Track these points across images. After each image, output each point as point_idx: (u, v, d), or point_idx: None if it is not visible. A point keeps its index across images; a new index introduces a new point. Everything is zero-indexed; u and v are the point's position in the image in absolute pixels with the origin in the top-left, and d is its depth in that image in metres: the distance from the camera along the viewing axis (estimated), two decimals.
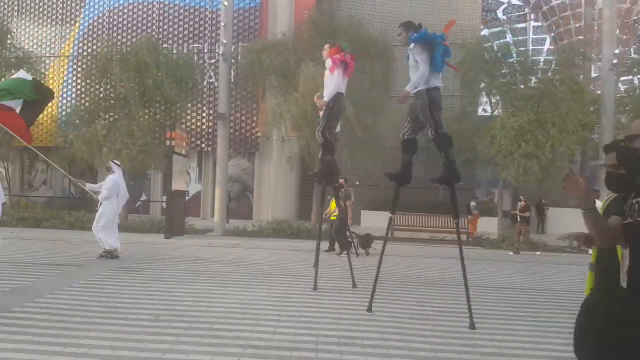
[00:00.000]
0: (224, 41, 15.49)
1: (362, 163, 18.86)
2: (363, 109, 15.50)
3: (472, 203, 16.82)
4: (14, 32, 18.88)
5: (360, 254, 10.81)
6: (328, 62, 6.32)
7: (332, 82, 6.21)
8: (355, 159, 18.48)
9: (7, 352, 3.67)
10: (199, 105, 20.89)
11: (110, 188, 8.72)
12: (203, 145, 21.66)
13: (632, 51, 35.83)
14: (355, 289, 6.75)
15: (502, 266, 10.26)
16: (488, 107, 20.53)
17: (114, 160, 9.74)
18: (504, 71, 17.80)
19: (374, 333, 4.57)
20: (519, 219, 13.06)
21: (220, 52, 15.73)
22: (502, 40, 18.72)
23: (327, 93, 6.27)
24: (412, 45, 5.02)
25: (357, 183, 23.30)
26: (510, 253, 12.58)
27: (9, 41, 18.24)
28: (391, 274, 8.17)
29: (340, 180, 10.11)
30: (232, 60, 18.31)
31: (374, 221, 19.64)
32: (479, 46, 17.99)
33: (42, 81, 19.55)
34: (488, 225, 16.71)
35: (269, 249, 11.26)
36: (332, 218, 10.58)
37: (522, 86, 17.35)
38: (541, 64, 18.93)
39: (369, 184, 23.08)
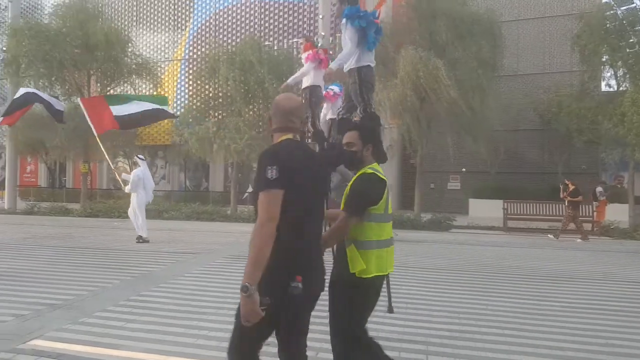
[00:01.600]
0: (322, 33, 15.60)
1: (469, 148, 17.92)
2: (469, 90, 14.61)
3: (599, 189, 15.02)
4: (134, 41, 20.77)
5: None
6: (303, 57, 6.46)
7: (305, 74, 6.24)
8: (460, 144, 17.60)
9: (139, 332, 4.00)
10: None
11: (133, 182, 9.58)
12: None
13: None
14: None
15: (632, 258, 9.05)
16: (613, 82, 18.21)
17: (139, 155, 10.66)
18: (631, 40, 15.68)
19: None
20: (566, 204, 12.22)
21: (320, 44, 15.84)
22: (628, 6, 16.39)
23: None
24: (343, 20, 4.74)
25: (464, 170, 22.21)
26: (550, 236, 12.17)
27: (129, 49, 20.03)
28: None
29: None
30: (331, 52, 18.35)
31: (482, 210, 18.61)
32: (600, 14, 16.08)
33: (159, 84, 21.58)
34: (617, 214, 14.89)
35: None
36: None
37: None
38: None
39: (476, 170, 21.87)
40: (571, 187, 12.20)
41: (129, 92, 20.35)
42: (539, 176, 21.35)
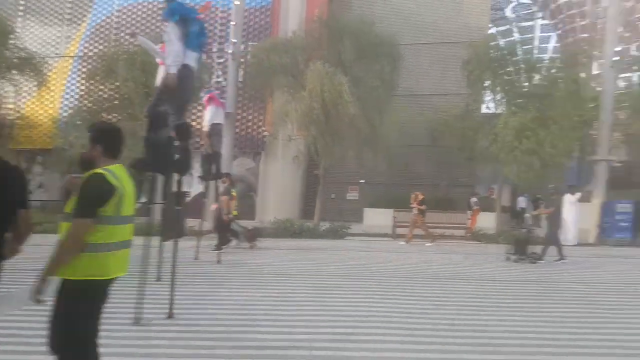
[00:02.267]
0: (234, 40, 15.75)
1: (368, 162, 19.14)
2: (370, 107, 15.80)
3: (473, 199, 17.22)
4: (18, 33, 18.93)
5: (247, 247, 11.06)
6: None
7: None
8: (361, 157, 18.77)
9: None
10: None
11: None
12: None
13: (633, 48, 35.82)
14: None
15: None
16: (492, 105, 20.76)
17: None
18: (509, 69, 18.05)
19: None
20: (416, 210, 13.46)
21: (230, 51, 16.04)
22: (508, 39, 18.97)
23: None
24: (166, 17, 4.89)
25: (363, 181, 23.67)
26: (428, 244, 13.16)
27: (11, 41, 18.12)
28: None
29: (224, 178, 10.32)
30: (241, 60, 18.47)
31: (377, 219, 19.93)
32: (486, 44, 18.22)
33: (44, 82, 19.38)
34: (487, 221, 16.99)
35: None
36: (234, 213, 10.58)
37: (526, 84, 17.63)
38: (546, 62, 19.17)
39: (374, 182, 23.43)
40: (420, 197, 13.58)
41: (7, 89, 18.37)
42: (427, 188, 23.43)
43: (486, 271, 8.73)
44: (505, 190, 26.07)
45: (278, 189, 20.88)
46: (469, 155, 19.54)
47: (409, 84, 22.99)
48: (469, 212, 16.54)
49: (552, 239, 10.28)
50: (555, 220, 10.51)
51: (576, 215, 14.33)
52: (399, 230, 15.27)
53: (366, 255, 10.72)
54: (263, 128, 20.79)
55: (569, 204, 14.46)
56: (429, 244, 13.07)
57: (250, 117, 21.34)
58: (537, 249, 10.08)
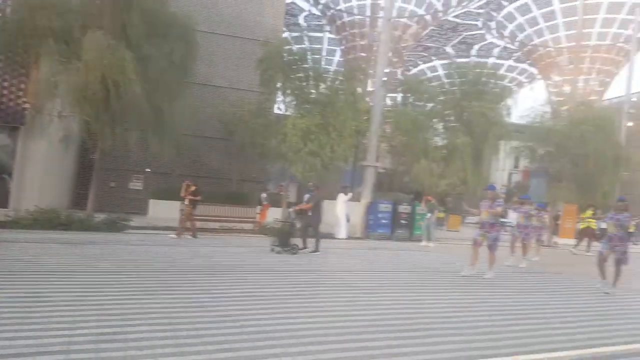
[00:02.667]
0: None
1: (154, 149, 17.86)
2: (158, 91, 14.60)
3: (264, 195, 17.84)
4: None
5: None
6: None
7: None
8: (146, 143, 17.36)
9: None
10: None
11: None
12: None
13: (398, 72, 42.93)
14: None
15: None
16: (283, 106, 21.88)
17: None
18: (299, 75, 19.23)
19: None
20: (186, 202, 12.79)
21: None
22: (300, 46, 20.18)
23: None
24: None
25: (148, 170, 22.04)
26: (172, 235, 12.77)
27: None
28: None
29: None
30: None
31: (163, 211, 18.85)
32: (280, 47, 18.95)
33: None
34: (275, 216, 17.85)
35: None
36: None
37: (313, 91, 19.08)
38: (331, 73, 21.11)
39: (160, 171, 22.10)
40: (192, 188, 12.95)
41: None
42: (217, 181, 23.33)
43: (254, 261, 9.00)
44: (292, 188, 27.95)
45: (41, 172, 17.65)
46: (260, 152, 20.16)
47: (204, 73, 22.45)
48: (259, 207, 17.07)
49: (313, 232, 11.03)
50: (315, 214, 11.10)
51: (347, 212, 16.19)
52: (187, 224, 14.70)
53: (145, 250, 9.88)
54: (24, 99, 17.27)
55: (342, 202, 16.29)
56: (173, 236, 12.61)
57: (6, 85, 17.50)
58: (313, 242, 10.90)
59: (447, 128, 21.51)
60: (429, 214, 15.92)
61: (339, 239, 15.66)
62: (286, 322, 4.81)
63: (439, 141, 21.37)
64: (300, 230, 11.12)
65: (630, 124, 25.10)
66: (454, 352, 4.23)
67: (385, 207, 17.19)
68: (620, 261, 8.15)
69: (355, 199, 18.43)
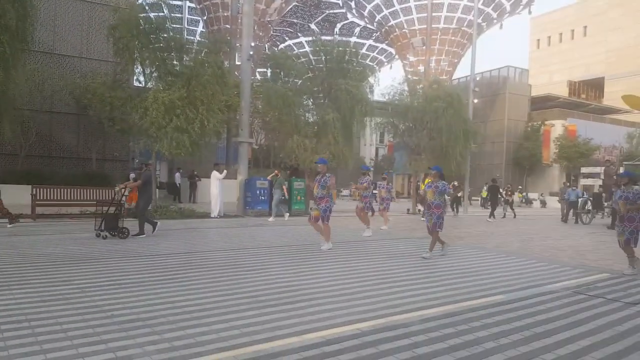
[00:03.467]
0: None
1: None
2: None
3: (132, 175, 16.45)
4: None
5: None
6: None
7: None
8: None
9: None
10: None
11: None
12: None
13: (266, 47, 42.64)
14: None
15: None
16: (142, 78, 20.27)
17: None
18: (160, 45, 17.89)
19: None
20: None
21: None
22: (160, 14, 18.68)
23: None
24: None
25: None
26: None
27: None
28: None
29: None
30: None
31: (11, 197, 16.48)
32: (133, 13, 17.37)
33: None
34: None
35: None
36: None
37: (175, 62, 17.95)
38: (195, 45, 20.01)
39: (3, 152, 19.19)
40: None
41: None
42: (73, 161, 21.05)
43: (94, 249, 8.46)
44: (163, 167, 26.39)
45: None
46: (121, 128, 18.56)
47: (47, 40, 19.78)
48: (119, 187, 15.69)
49: (139, 213, 10.25)
50: (144, 193, 10.40)
51: (221, 190, 15.86)
52: (40, 210, 13.08)
53: None
54: None
55: (216, 179, 15.90)
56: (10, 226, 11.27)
57: None
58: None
59: (316, 104, 22.13)
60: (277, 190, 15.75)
61: (214, 217, 15.35)
62: (161, 308, 4.60)
63: (310, 117, 21.92)
64: (138, 212, 10.34)
65: (476, 101, 28.59)
66: (336, 319, 4.47)
67: (262, 183, 17.22)
68: (435, 225, 8.34)
69: (232, 176, 18.14)
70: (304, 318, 4.41)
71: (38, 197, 13.17)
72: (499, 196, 21.21)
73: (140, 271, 6.42)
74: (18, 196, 15.29)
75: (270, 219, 15.15)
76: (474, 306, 5.04)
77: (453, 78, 48.78)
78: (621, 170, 20.91)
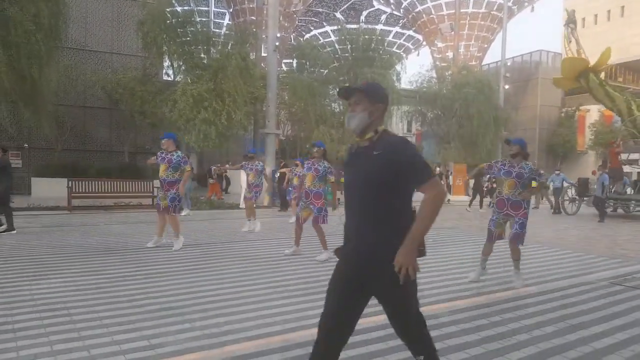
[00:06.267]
0: None
1: (27, 122, 15.96)
2: (22, 58, 12.84)
3: (213, 167, 16.95)
4: None
5: None
6: None
7: None
8: (20, 116, 15.42)
9: None
10: None
11: None
12: None
13: (291, 38, 42.56)
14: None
15: None
16: (171, 72, 20.64)
17: None
18: (188, 39, 18.16)
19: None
20: None
21: None
22: (186, 8, 18.93)
23: None
24: None
25: (26, 146, 19.71)
26: None
27: None
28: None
29: None
30: None
31: (47, 190, 17.15)
32: (161, 8, 17.66)
33: None
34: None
35: None
36: None
37: (203, 55, 18.17)
38: (222, 37, 20.20)
39: (40, 147, 19.90)
40: None
41: None
42: (106, 154, 21.65)
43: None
44: (193, 159, 26.87)
45: None
46: (152, 122, 18.96)
47: (79, 37, 20.29)
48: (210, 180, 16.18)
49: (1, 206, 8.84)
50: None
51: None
52: (76, 202, 13.53)
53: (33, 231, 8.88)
54: None
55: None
56: None
57: None
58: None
59: None
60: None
61: (242, 208, 15.51)
62: (190, 297, 4.68)
63: (336, 107, 21.83)
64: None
65: (506, 87, 27.81)
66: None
67: None
68: (317, 219, 6.81)
69: None
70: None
71: (74, 190, 13.63)
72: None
73: (168, 261, 6.55)
74: (55, 189, 15.88)
75: (184, 212, 12.90)
76: (507, 297, 4.93)
77: (483, 64, 47.53)
78: None
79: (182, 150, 16.73)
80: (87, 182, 14.06)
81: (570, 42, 15.62)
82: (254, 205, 10.01)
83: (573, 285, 5.57)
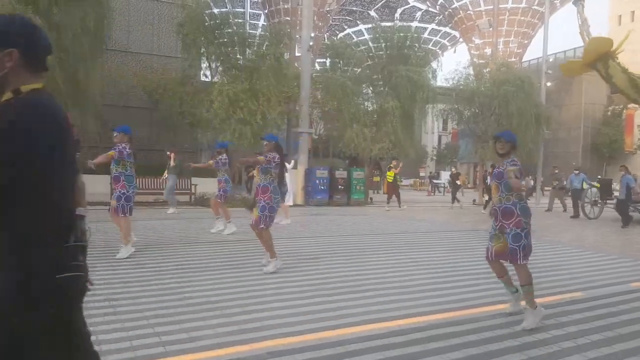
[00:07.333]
0: None
1: (76, 121, 16.63)
2: (71, 60, 13.41)
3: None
4: None
5: None
6: None
7: None
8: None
9: None
10: None
11: None
12: None
13: (325, 37, 42.60)
14: None
15: None
16: (208, 73, 21.07)
17: None
18: (224, 40, 18.50)
19: None
20: None
21: None
22: (223, 10, 19.30)
23: None
24: None
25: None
26: None
27: None
28: None
29: None
30: None
31: (91, 186, 17.81)
32: (199, 10, 18.04)
33: None
34: (212, 187, 17.40)
35: None
36: None
37: (239, 56, 18.46)
38: (257, 38, 20.46)
39: (86, 145, 20.74)
40: None
41: None
42: (146, 153, 22.29)
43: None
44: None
45: None
46: (190, 122, 19.41)
47: (122, 39, 21.01)
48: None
49: None
50: None
51: (291, 180, 16.11)
52: None
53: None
54: None
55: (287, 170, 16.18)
56: None
57: None
58: None
59: (376, 92, 21.85)
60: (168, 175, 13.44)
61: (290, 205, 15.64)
62: (229, 292, 4.77)
63: (369, 106, 21.70)
64: None
65: (548, 84, 26.84)
66: (401, 310, 4.42)
67: (322, 173, 17.37)
68: (259, 220, 5.85)
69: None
70: (370, 308, 4.39)
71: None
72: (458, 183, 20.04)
73: (207, 256, 6.70)
74: (99, 185, 16.46)
75: (170, 210, 12.82)
76: (550, 303, 4.76)
77: (523, 60, 46.15)
78: None
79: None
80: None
81: (582, 23, 14.17)
82: (218, 202, 9.21)
83: (620, 293, 5.33)
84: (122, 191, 6.60)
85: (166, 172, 13.52)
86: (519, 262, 4.09)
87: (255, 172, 6.34)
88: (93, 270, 5.50)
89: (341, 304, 4.49)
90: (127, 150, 6.65)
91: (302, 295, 4.78)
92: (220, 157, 9.34)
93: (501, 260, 4.29)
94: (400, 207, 16.66)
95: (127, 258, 6.39)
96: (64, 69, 12.85)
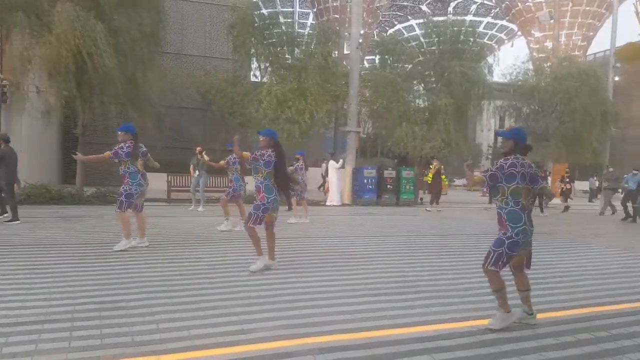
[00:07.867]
0: None
1: (134, 121, 17.44)
2: (131, 62, 14.05)
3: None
4: None
5: None
6: None
7: None
8: (125, 116, 16.91)
9: None
10: None
11: None
12: None
13: (374, 34, 42.17)
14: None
15: None
16: (258, 73, 21.42)
17: None
18: (273, 40, 18.73)
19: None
20: None
21: None
22: (271, 10, 19.55)
23: None
24: None
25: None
26: None
27: None
28: None
29: None
30: None
31: (151, 184, 18.64)
32: (249, 11, 18.35)
33: None
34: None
35: None
36: None
37: (287, 56, 18.62)
38: (306, 37, 20.55)
39: (143, 144, 21.74)
40: None
41: None
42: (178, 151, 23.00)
43: None
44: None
45: (26, 149, 17.11)
46: (241, 121, 19.83)
47: (176, 42, 21.79)
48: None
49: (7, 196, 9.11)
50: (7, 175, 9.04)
51: (339, 179, 16.11)
52: (174, 195, 14.65)
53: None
54: (1, 76, 16.44)
55: (333, 169, 16.19)
56: None
57: None
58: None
59: (427, 89, 21.33)
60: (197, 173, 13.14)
61: (331, 205, 15.64)
62: (279, 288, 4.77)
63: (420, 103, 21.22)
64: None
65: (617, 78, 25.01)
66: (448, 314, 4.25)
67: (369, 172, 17.18)
68: (249, 217, 5.60)
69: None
70: (414, 310, 4.26)
71: (172, 184, 14.70)
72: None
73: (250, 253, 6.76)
74: (156, 183, 17.16)
75: (198, 207, 12.76)
76: (616, 311, 4.42)
77: (588, 53, 43.49)
78: None
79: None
80: (183, 177, 15.05)
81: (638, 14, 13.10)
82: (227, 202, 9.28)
83: None
84: (125, 187, 6.86)
85: (194, 169, 13.14)
86: (486, 266, 3.76)
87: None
88: (154, 263, 5.73)
89: (392, 305, 4.39)
90: (125, 149, 6.75)
91: (353, 294, 4.72)
92: (230, 156, 9.45)
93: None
94: (429, 207, 15.30)
95: (184, 251, 6.57)
96: (123, 72, 13.47)
